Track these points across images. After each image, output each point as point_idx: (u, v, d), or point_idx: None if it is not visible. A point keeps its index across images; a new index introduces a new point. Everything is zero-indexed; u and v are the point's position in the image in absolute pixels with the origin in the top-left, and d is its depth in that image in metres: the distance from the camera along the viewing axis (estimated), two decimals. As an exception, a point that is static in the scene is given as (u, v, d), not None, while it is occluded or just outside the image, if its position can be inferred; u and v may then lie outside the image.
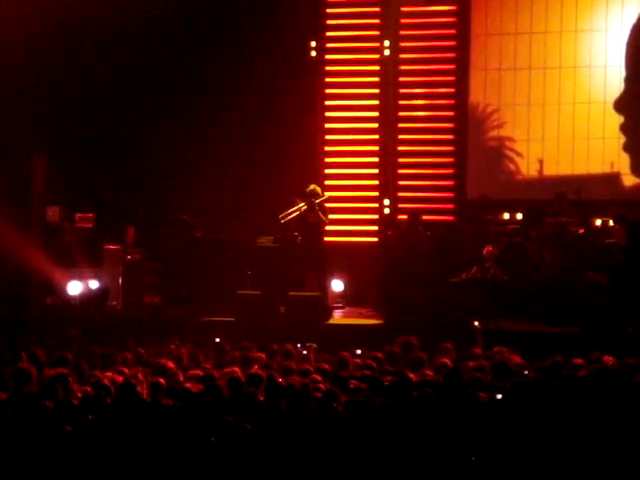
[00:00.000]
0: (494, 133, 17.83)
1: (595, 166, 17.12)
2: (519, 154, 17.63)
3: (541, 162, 17.37)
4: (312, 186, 15.59)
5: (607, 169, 17.09)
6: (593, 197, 16.41)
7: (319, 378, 9.70)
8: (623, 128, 17.01)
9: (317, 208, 15.37)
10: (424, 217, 16.59)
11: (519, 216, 16.99)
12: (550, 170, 17.38)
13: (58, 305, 16.07)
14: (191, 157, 17.79)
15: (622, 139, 17.04)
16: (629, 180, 17.06)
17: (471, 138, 17.85)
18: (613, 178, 17.10)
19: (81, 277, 16.17)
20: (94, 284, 16.13)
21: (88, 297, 15.97)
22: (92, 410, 8.21)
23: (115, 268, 16.39)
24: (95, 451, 7.20)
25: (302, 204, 15.34)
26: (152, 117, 17.65)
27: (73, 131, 17.51)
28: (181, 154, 17.77)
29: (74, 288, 16.04)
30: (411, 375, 9.65)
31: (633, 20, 17.14)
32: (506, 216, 16.99)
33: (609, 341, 12.54)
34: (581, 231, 15.49)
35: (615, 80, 17.10)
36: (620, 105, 16.99)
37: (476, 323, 13.43)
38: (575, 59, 17.30)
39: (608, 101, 17.09)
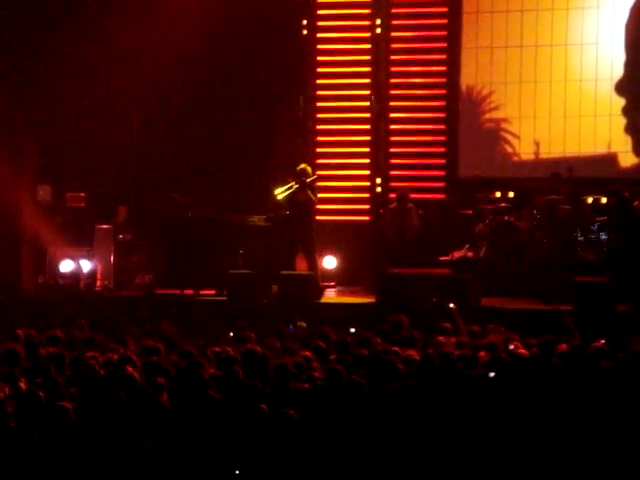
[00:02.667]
0: (488, 114, 17.81)
1: (587, 144, 17.11)
2: (512, 134, 17.60)
3: (535, 139, 17.35)
4: (302, 165, 15.61)
5: (599, 147, 17.08)
6: (585, 175, 16.41)
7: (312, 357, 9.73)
8: (625, 110, 16.97)
9: (307, 187, 15.38)
10: (416, 195, 16.60)
11: (511, 194, 17.01)
12: (542, 148, 17.36)
13: (49, 284, 16.06)
14: (181, 136, 17.74)
15: (623, 120, 16.96)
16: (622, 158, 17.05)
17: (464, 118, 17.82)
18: (605, 156, 17.10)
19: (72, 256, 16.16)
20: (85, 264, 16.12)
21: (77, 277, 15.95)
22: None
23: (106, 248, 16.36)
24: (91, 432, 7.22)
25: (293, 183, 15.35)
26: (143, 95, 17.61)
27: (65, 109, 17.45)
28: (171, 132, 17.72)
29: (66, 267, 16.03)
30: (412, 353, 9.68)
31: (626, -2, 17.11)
32: (498, 194, 17.01)
33: (600, 319, 12.59)
34: (568, 207, 15.51)
35: (607, 58, 17.05)
36: (621, 87, 16.96)
37: (451, 305, 13.43)
38: (566, 36, 17.25)
39: (600, 79, 17.06)
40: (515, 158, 17.67)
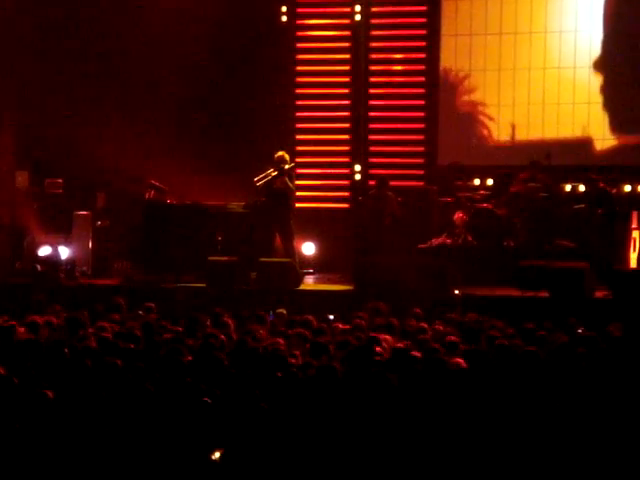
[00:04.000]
0: (465, 98, 17.84)
1: (565, 131, 17.16)
2: (490, 118, 17.64)
3: (513, 127, 17.40)
4: (280, 152, 15.57)
5: (577, 134, 17.15)
6: (563, 162, 16.46)
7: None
8: (602, 89, 17.01)
9: (285, 175, 15.37)
10: (395, 183, 16.63)
11: (489, 182, 17.07)
12: (521, 135, 17.42)
13: (27, 270, 15.99)
14: (160, 123, 17.70)
15: (600, 99, 17.03)
16: (600, 145, 17.11)
17: (442, 103, 17.84)
18: (583, 143, 17.16)
19: (51, 243, 16.10)
20: (64, 250, 16.06)
21: (55, 263, 15.88)
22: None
23: (85, 234, 16.31)
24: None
25: (271, 170, 15.33)
26: (120, 82, 17.60)
27: (42, 97, 17.40)
28: (150, 119, 17.67)
29: (44, 253, 15.97)
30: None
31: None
32: (477, 182, 17.07)
33: (577, 306, 12.64)
34: (546, 195, 15.57)
35: (585, 45, 17.10)
36: (599, 66, 17.00)
37: (456, 292, 13.44)
38: (545, 24, 17.29)
39: (578, 66, 17.11)
40: (494, 145, 17.71)
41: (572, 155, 16.93)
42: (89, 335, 10.12)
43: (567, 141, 17.12)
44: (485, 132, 17.77)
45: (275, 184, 15.32)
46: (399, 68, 17.94)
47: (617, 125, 16.99)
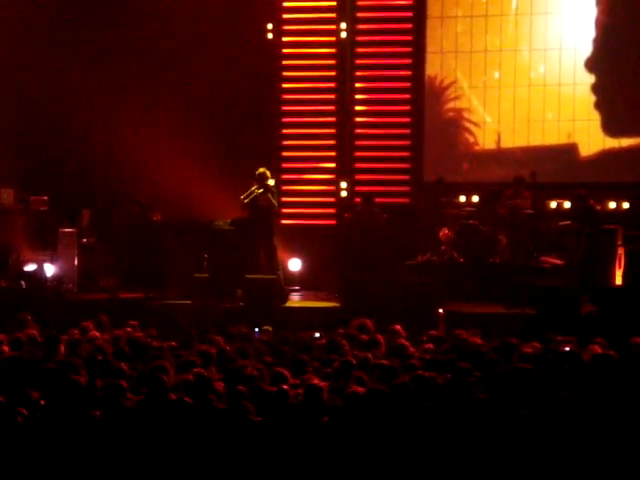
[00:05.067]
0: (451, 114, 17.89)
1: (550, 147, 17.22)
2: (477, 138, 17.69)
3: (499, 142, 17.46)
4: (261, 169, 15.60)
5: (562, 150, 17.21)
6: (548, 180, 16.51)
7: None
8: (594, 88, 17.07)
9: (268, 191, 15.39)
10: (380, 199, 16.65)
11: (475, 199, 17.11)
12: (506, 151, 17.47)
13: (12, 287, 15.94)
14: (146, 138, 17.69)
15: (585, 116, 17.10)
16: (584, 162, 17.17)
17: (429, 122, 17.87)
18: (568, 160, 17.22)
19: (36, 260, 16.06)
20: (49, 267, 16.01)
21: (41, 280, 15.83)
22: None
23: (70, 251, 16.27)
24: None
25: (255, 187, 15.35)
26: (106, 97, 17.60)
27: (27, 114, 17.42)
28: (136, 135, 17.66)
29: (29, 271, 15.93)
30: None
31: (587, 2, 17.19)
32: (462, 199, 17.11)
33: (563, 323, 12.65)
34: (531, 212, 15.61)
35: (570, 63, 17.18)
36: (590, 64, 17.06)
37: (440, 310, 13.43)
38: (530, 41, 17.37)
39: (563, 83, 17.18)
40: (479, 163, 17.74)
41: (557, 173, 16.99)
42: (72, 352, 10.10)
43: (552, 158, 17.17)
44: (470, 149, 17.81)
45: (259, 201, 15.35)
46: (385, 85, 17.96)
47: (602, 142, 17.06)
